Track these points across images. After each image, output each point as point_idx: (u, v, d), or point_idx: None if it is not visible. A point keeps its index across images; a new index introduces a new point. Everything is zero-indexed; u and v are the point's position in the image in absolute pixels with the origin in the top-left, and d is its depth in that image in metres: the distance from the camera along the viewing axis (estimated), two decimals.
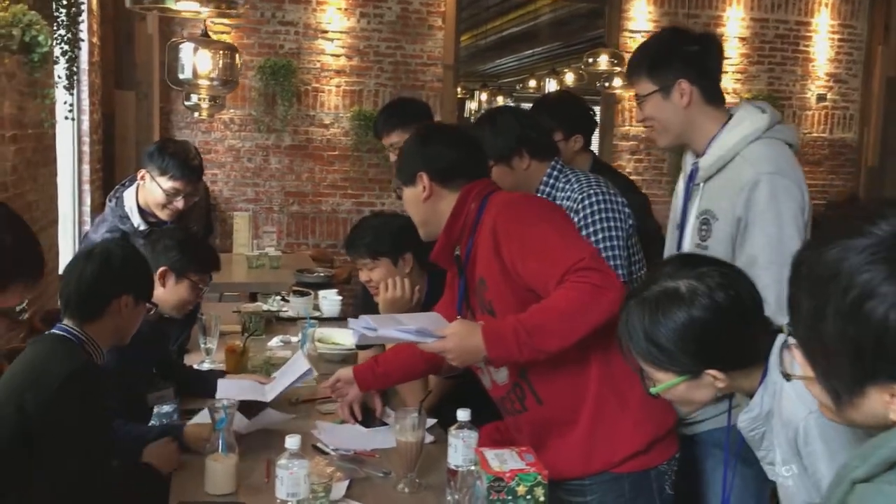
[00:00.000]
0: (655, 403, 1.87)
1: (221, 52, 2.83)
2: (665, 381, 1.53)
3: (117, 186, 2.93)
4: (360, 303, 2.83)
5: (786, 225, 1.96)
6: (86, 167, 5.40)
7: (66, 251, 4.67)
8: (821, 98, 7.63)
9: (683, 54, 2.13)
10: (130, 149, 5.90)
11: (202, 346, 2.97)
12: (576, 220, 2.37)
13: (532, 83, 7.89)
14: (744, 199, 2.00)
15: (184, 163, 2.71)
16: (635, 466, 1.88)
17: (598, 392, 1.88)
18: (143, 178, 2.77)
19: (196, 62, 2.73)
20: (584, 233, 2.35)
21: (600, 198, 2.42)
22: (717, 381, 1.51)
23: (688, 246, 2.19)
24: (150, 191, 2.75)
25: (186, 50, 2.82)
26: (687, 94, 2.11)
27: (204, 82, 2.75)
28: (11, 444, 1.77)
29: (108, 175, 5.70)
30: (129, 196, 2.81)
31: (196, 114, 5.29)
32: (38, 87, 3.57)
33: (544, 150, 2.56)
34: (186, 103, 5.07)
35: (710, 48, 2.19)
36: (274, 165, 6.53)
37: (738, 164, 2.05)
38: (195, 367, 2.89)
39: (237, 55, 2.94)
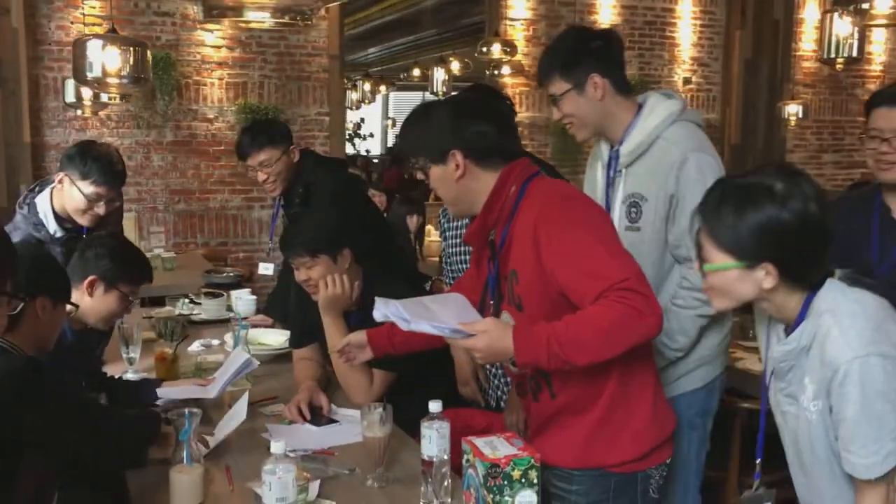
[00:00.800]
0: (658, 415, 1.94)
1: (131, 48, 2.70)
2: (721, 263, 1.59)
3: (26, 193, 2.75)
4: (295, 299, 2.79)
5: None
6: None
7: None
8: (686, 81, 8.07)
9: (591, 51, 2.25)
10: None
11: (124, 355, 2.84)
12: None
13: (416, 72, 7.91)
14: (674, 177, 2.17)
15: (108, 167, 2.58)
16: (626, 469, 1.91)
17: (611, 397, 1.87)
18: (60, 181, 2.61)
19: (105, 60, 2.59)
20: None
21: None
22: (768, 278, 1.57)
23: (616, 230, 2.31)
24: (69, 195, 2.60)
25: (94, 47, 2.66)
26: (600, 87, 2.24)
27: (113, 80, 2.61)
28: None
29: None
30: (42, 201, 2.65)
31: (79, 111, 5.00)
32: None
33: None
34: (67, 101, 4.79)
35: (613, 42, 2.32)
36: (157, 163, 6.27)
37: (661, 147, 2.21)
38: (120, 376, 2.77)
39: (147, 51, 2.81)
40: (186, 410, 1.96)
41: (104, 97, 4.41)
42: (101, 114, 5.95)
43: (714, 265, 1.60)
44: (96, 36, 2.71)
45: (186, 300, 3.86)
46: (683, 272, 2.24)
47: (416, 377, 2.50)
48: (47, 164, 5.89)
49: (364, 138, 16.05)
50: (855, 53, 4.47)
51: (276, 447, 1.68)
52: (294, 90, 6.57)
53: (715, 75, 8.16)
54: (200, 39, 6.28)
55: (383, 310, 1.83)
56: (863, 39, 4.47)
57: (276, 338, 3.23)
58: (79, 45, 2.77)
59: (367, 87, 9.11)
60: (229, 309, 3.75)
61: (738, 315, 3.58)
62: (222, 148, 6.41)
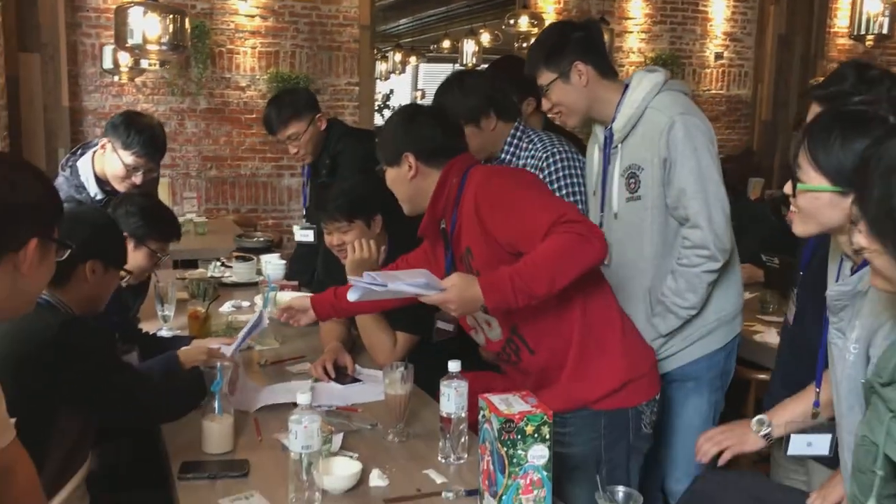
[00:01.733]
0: (633, 349, 2.10)
1: (171, 16, 2.78)
2: (819, 185, 1.58)
3: (68, 155, 2.86)
4: (323, 264, 2.89)
5: (702, 157, 2.28)
6: None
7: None
8: (718, 56, 8.01)
9: (572, 41, 2.39)
10: (37, 113, 5.67)
11: (159, 313, 2.97)
12: (541, 177, 2.52)
13: (446, 44, 7.93)
14: (665, 141, 2.29)
15: (149, 140, 2.68)
16: (611, 405, 2.05)
17: (581, 339, 2.04)
18: (103, 147, 2.71)
19: (145, 27, 2.68)
20: (552, 186, 2.50)
21: (563, 156, 2.58)
22: (853, 207, 1.46)
23: (616, 203, 2.41)
24: (110, 161, 2.71)
25: (135, 15, 2.75)
26: (584, 73, 2.38)
27: (153, 47, 2.70)
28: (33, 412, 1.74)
29: (15, 140, 5.47)
30: (84, 164, 2.76)
31: (116, 77, 5.11)
32: None
33: (509, 111, 2.69)
34: (105, 67, 4.90)
35: (593, 31, 2.49)
36: (190, 130, 6.39)
37: (649, 116, 2.34)
38: (154, 333, 2.89)
39: (186, 19, 2.90)
40: (219, 364, 2.06)
41: (143, 63, 4.50)
42: (137, 81, 6.07)
43: (808, 185, 1.59)
44: (137, 3, 2.79)
45: (218, 263, 3.98)
46: (684, 232, 2.31)
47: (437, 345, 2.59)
48: (84, 129, 6.03)
49: (391, 109, 16.10)
50: (885, 31, 4.47)
51: (303, 398, 1.77)
52: (325, 60, 6.64)
53: (747, 51, 8.09)
54: (234, 8, 6.36)
55: (356, 282, 1.99)
56: (893, 17, 4.45)
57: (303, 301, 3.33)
58: (120, 13, 2.86)
59: (398, 57, 9.13)
60: (259, 273, 3.87)
61: (758, 290, 3.63)
62: (254, 116, 6.50)
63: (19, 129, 5.52)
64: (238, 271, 3.84)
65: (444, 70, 16.02)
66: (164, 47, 2.74)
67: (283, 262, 3.91)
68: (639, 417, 2.08)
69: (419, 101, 16.57)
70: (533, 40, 2.51)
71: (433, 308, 2.03)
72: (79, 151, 2.85)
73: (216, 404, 2.03)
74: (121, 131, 2.70)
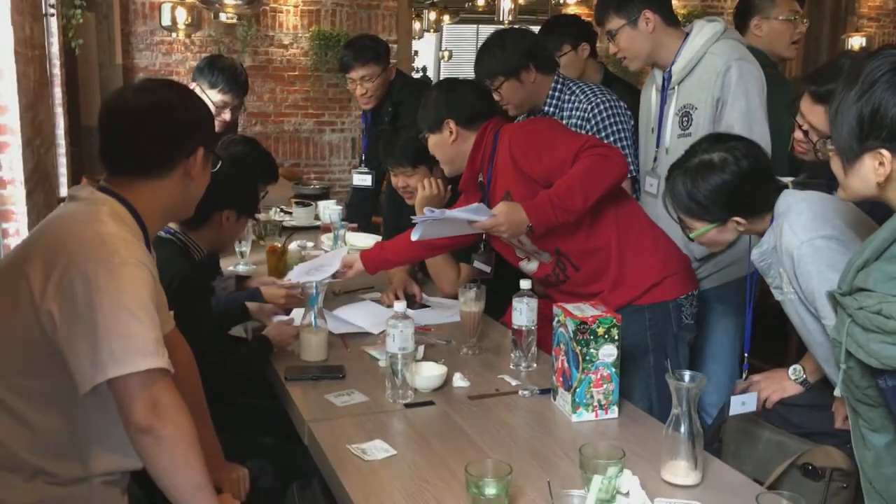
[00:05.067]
0: (664, 250, 2.39)
1: None
2: (700, 229, 2.00)
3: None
4: (387, 205, 3.13)
5: (752, 99, 2.51)
6: (57, 90, 5.41)
7: None
8: None
9: None
10: (94, 70, 5.90)
11: (237, 249, 3.22)
12: (588, 127, 2.74)
13: (480, 1, 8.05)
14: (720, 83, 2.51)
15: (233, 77, 2.91)
16: (653, 298, 2.32)
17: (618, 248, 2.33)
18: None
19: None
20: (599, 135, 2.71)
21: (607, 105, 2.78)
22: (740, 225, 1.97)
23: (668, 139, 2.63)
24: None
25: None
26: (651, 21, 2.60)
27: (231, 1, 2.92)
28: None
29: (73, 96, 5.71)
30: None
31: (173, 34, 5.33)
32: (34, 9, 3.64)
33: (548, 64, 2.88)
34: (163, 24, 5.11)
35: None
36: None
37: (707, 60, 2.56)
38: (231, 268, 3.15)
39: None
40: (315, 282, 2.31)
41: (222, 17, 4.60)
42: (185, 39, 6.28)
43: (697, 232, 2.01)
44: None
45: (278, 209, 4.22)
46: None
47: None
48: None
49: (417, 71, 16.17)
50: None
51: (399, 306, 2.01)
52: (364, 18, 6.82)
53: None
54: None
55: (418, 228, 2.31)
56: None
57: (365, 240, 3.57)
58: None
59: (433, 16, 9.25)
60: (317, 217, 4.12)
61: None
62: (296, 73, 6.72)
63: (77, 86, 5.77)
64: (298, 216, 4.10)
65: (469, 31, 16.05)
66: (240, 2, 2.95)
67: (340, 207, 4.15)
68: (679, 309, 2.34)
69: (445, 61, 16.76)
70: None
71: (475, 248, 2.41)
72: None
73: (313, 318, 2.28)
74: (206, 73, 2.94)
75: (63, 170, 5.43)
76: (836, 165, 1.44)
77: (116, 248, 1.45)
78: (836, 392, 1.41)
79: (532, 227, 2.21)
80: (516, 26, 3.21)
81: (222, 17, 4.59)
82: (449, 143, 2.48)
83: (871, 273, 1.28)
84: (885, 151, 1.33)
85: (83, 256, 1.42)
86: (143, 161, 1.59)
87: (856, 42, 7.62)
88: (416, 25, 8.85)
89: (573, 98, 2.83)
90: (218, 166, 1.73)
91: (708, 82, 2.52)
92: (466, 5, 8.69)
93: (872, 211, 1.84)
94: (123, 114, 1.61)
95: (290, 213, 4.19)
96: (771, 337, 2.72)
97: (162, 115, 1.60)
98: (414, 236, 2.36)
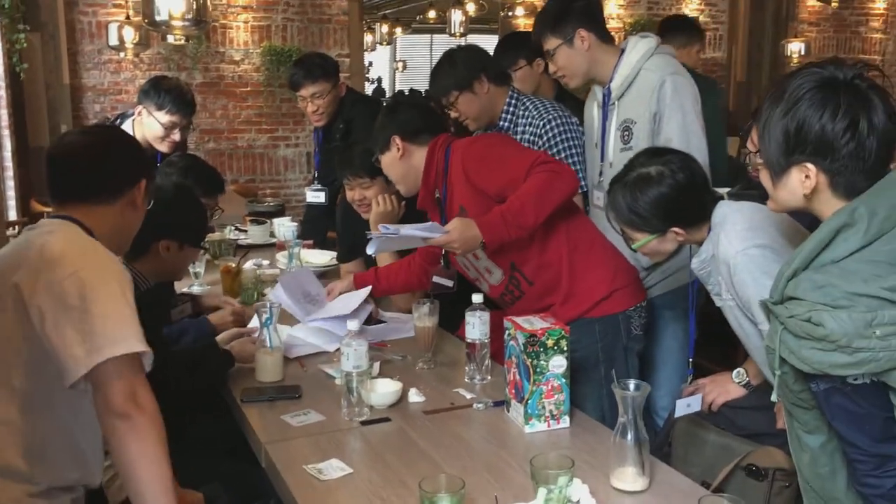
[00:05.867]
0: (613, 263, 2.44)
1: None
2: (642, 240, 2.07)
3: (107, 126, 3.09)
4: (341, 221, 3.15)
5: (687, 112, 2.59)
6: (3, 112, 5.35)
7: None
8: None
9: (576, 9, 2.68)
10: (40, 91, 5.83)
11: (191, 270, 3.21)
12: (540, 143, 2.80)
13: (432, 13, 8.13)
14: (656, 97, 2.60)
15: (179, 97, 2.92)
16: (603, 311, 2.38)
17: (570, 262, 2.39)
18: (139, 113, 2.95)
19: (170, 5, 2.90)
20: (550, 151, 2.77)
21: (559, 121, 2.85)
22: (679, 236, 2.05)
23: (611, 153, 2.70)
24: (148, 125, 2.94)
25: None
26: (587, 39, 2.67)
27: (178, 23, 2.93)
28: None
29: (19, 118, 5.64)
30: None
31: (121, 54, 5.29)
32: None
33: (500, 77, 2.95)
34: (111, 44, 5.08)
35: (593, 1, 2.78)
36: None
37: (643, 76, 2.64)
38: (185, 290, 3.14)
39: None
40: (269, 303, 2.32)
41: (169, 38, 4.60)
42: (134, 57, 6.22)
43: (638, 243, 2.08)
44: None
45: (232, 227, 4.22)
46: None
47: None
48: (84, 105, 6.21)
49: (372, 82, 16.20)
50: None
51: (352, 325, 2.04)
52: (316, 32, 6.83)
53: (722, 14, 8.36)
54: None
55: (373, 243, 2.36)
56: None
57: (320, 257, 3.59)
58: None
59: (384, 29, 9.30)
60: (272, 235, 4.12)
61: None
62: (248, 89, 6.70)
63: (23, 107, 5.70)
64: (253, 234, 4.10)
65: (423, 41, 16.13)
66: (187, 23, 2.96)
67: (295, 224, 4.17)
68: (628, 321, 2.41)
69: (400, 72, 16.82)
70: (539, 10, 2.81)
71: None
72: (117, 121, 3.08)
73: (268, 338, 2.29)
74: (151, 95, 2.95)
75: (11, 192, 5.37)
76: (765, 178, 1.51)
77: (103, 252, 1.60)
78: (773, 397, 1.47)
79: (485, 244, 2.26)
80: (466, 43, 3.25)
81: (169, 38, 4.55)
82: (398, 160, 2.53)
83: (800, 282, 1.34)
84: (810, 165, 1.40)
85: (72, 259, 1.54)
86: (92, 186, 1.71)
87: (795, 47, 7.83)
88: (369, 38, 8.89)
89: (526, 114, 2.89)
90: (150, 204, 1.78)
91: (645, 97, 2.60)
92: (418, 17, 8.77)
93: (802, 219, 1.92)
94: (73, 146, 1.77)
95: (245, 231, 4.18)
96: (719, 341, 2.81)
97: (109, 145, 1.78)
98: (369, 250, 2.43)
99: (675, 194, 1.99)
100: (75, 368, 1.46)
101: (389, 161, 2.56)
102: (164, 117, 2.94)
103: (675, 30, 4.04)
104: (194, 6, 2.93)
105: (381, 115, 2.61)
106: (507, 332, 2.01)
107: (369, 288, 2.71)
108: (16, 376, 1.58)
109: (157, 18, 2.92)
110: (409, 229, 2.30)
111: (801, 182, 1.42)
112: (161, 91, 2.93)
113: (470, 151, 2.42)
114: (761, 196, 1.90)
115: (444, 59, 2.95)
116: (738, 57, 8.33)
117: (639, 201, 2.01)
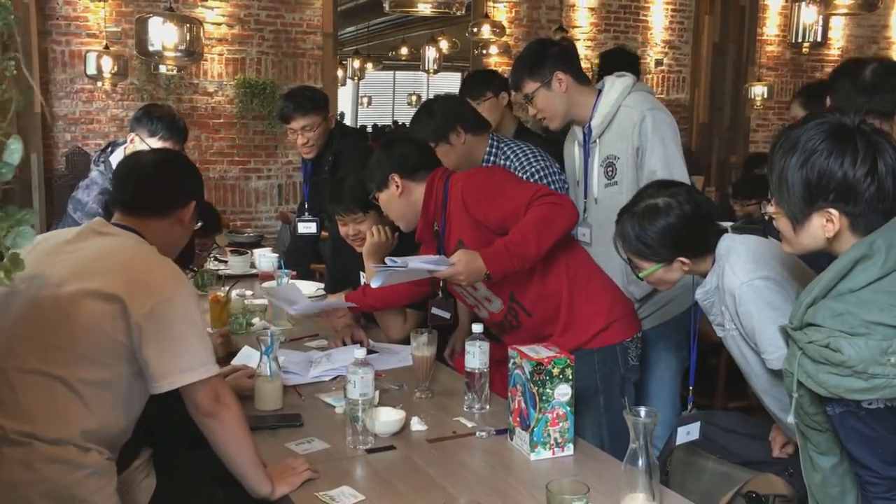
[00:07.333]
0: (611, 295, 2.49)
1: (187, 25, 3.02)
2: (649, 269, 2.12)
3: (98, 153, 3.08)
4: (332, 252, 3.17)
5: (668, 145, 2.67)
6: None
7: None
8: (658, 63, 8.51)
9: (552, 53, 2.77)
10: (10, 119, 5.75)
11: None
12: None
13: (404, 50, 8.23)
14: (637, 132, 2.68)
15: (172, 124, 2.93)
16: (602, 342, 2.42)
17: (569, 294, 2.43)
18: (132, 141, 2.95)
19: (164, 36, 2.91)
20: None
21: (541, 164, 2.90)
22: (684, 265, 2.10)
23: (596, 189, 2.77)
24: None
25: (155, 24, 2.99)
26: (564, 81, 2.74)
27: (171, 54, 2.94)
28: None
29: None
30: (117, 160, 2.97)
31: (99, 83, 5.26)
32: None
33: (478, 125, 3.00)
34: (89, 73, 5.05)
35: (569, 46, 2.91)
36: None
37: (623, 113, 2.72)
38: None
39: (202, 28, 3.13)
40: (270, 332, 2.32)
41: (162, 69, 4.65)
42: (108, 87, 6.19)
43: (645, 272, 2.14)
44: (156, 13, 3.02)
45: (212, 258, 4.19)
46: None
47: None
48: (55, 134, 6.15)
49: (335, 117, 16.25)
50: (819, 39, 5.00)
51: (359, 353, 2.05)
52: (290, 66, 6.87)
53: (685, 58, 8.61)
54: (201, 16, 6.52)
55: (379, 277, 2.38)
56: (826, 26, 4.96)
57: (307, 287, 3.59)
58: (140, 22, 3.08)
59: (357, 64, 9.39)
60: (252, 266, 4.11)
61: None
62: (221, 120, 6.70)
63: None
64: (234, 264, 4.08)
65: (387, 77, 16.29)
66: (180, 54, 2.98)
67: (276, 255, 4.16)
68: (625, 351, 2.45)
69: (364, 108, 16.95)
70: (516, 57, 2.91)
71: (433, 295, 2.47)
72: (108, 149, 3.07)
73: (268, 368, 2.29)
74: (144, 122, 2.96)
75: None
76: (783, 225, 1.58)
77: (184, 277, 1.87)
78: (789, 419, 1.52)
79: (489, 275, 2.28)
80: (445, 93, 3.30)
81: (162, 68, 4.56)
82: (397, 197, 2.55)
83: (819, 310, 1.40)
84: (833, 210, 1.48)
85: (171, 285, 1.79)
86: (151, 201, 1.96)
87: (758, 90, 8.08)
88: (339, 73, 8.95)
89: (508, 163, 2.94)
90: (198, 224, 1.91)
91: (626, 133, 2.67)
92: (390, 54, 8.86)
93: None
94: (144, 163, 2.08)
95: (226, 262, 4.16)
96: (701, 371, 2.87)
97: (176, 164, 2.08)
98: (375, 284, 2.42)
99: (682, 225, 2.05)
100: (163, 384, 1.75)
101: (388, 198, 2.57)
102: (157, 144, 2.94)
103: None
104: (187, 37, 2.95)
105: (378, 152, 2.61)
106: (511, 360, 2.04)
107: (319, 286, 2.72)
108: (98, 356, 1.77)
109: (151, 49, 2.93)
110: (416, 262, 2.31)
111: (822, 226, 1.50)
112: (154, 118, 2.94)
113: (469, 183, 2.45)
114: (763, 230, 1.98)
115: (423, 109, 3.01)
116: (700, 99, 8.57)
117: (647, 231, 2.07)
